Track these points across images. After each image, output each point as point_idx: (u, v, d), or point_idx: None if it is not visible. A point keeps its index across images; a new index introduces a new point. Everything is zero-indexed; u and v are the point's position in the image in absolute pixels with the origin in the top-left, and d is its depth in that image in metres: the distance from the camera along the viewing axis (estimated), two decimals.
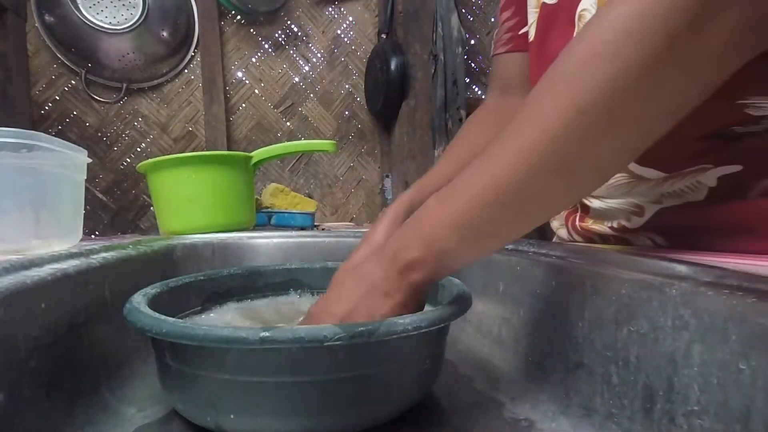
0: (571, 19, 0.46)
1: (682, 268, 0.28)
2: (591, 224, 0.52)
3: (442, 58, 1.48)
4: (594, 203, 0.50)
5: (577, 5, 0.45)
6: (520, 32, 0.59)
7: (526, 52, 0.57)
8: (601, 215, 0.51)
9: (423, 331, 0.30)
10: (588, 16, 0.44)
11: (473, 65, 1.79)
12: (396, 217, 0.46)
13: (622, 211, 0.48)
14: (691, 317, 0.24)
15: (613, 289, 0.30)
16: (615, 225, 0.49)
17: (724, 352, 0.22)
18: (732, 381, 0.21)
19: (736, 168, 0.39)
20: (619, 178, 0.46)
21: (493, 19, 1.79)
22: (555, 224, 0.61)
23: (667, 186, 0.43)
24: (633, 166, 0.44)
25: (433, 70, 1.49)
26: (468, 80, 1.60)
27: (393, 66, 1.54)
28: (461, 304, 0.35)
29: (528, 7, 0.55)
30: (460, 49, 1.50)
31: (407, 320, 0.29)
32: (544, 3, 0.51)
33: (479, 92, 1.80)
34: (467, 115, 1.48)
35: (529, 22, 0.54)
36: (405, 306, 0.34)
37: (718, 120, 0.37)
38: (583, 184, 0.31)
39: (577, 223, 0.55)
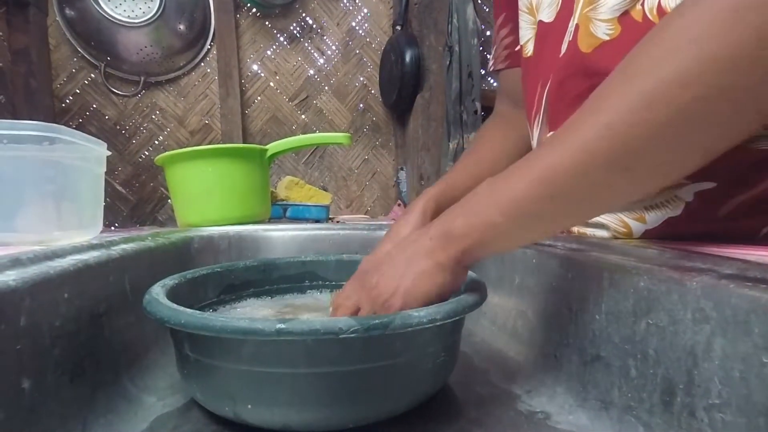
0: (561, 37, 0.48)
1: (702, 261, 0.27)
2: (577, 232, 0.53)
3: (457, 49, 1.46)
4: None
5: (568, 22, 0.47)
6: (516, 49, 0.62)
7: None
8: (590, 224, 0.51)
9: (438, 323, 0.30)
10: (572, 31, 0.46)
11: (488, 56, 1.77)
12: (425, 212, 0.47)
13: (610, 227, 0.48)
14: (712, 310, 0.23)
15: (631, 282, 0.30)
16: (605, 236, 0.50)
17: (747, 346, 0.21)
18: (755, 375, 0.21)
19: (711, 185, 0.41)
20: None
21: None
22: None
23: (648, 200, 0.44)
24: None
25: (447, 62, 1.48)
26: (483, 72, 1.58)
27: (407, 58, 1.53)
28: (477, 296, 0.35)
29: (521, 24, 0.57)
30: (476, 40, 1.48)
31: (422, 313, 0.29)
32: (540, 21, 0.52)
33: (494, 84, 1.78)
34: (482, 107, 1.47)
35: (525, 39, 0.57)
36: (453, 280, 0.35)
37: None
38: (643, 184, 0.30)
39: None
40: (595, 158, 0.28)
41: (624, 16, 0.41)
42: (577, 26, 0.44)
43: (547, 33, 0.51)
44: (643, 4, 0.40)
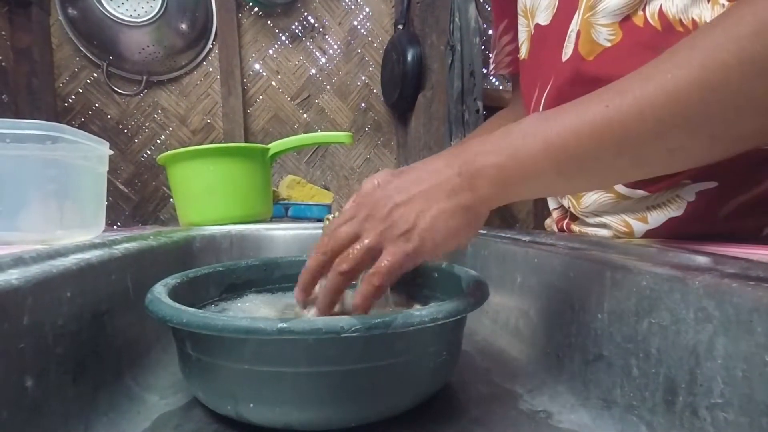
0: (561, 40, 0.47)
1: (705, 260, 0.27)
2: (578, 231, 0.53)
3: (459, 48, 1.46)
4: (589, 219, 0.51)
5: (568, 26, 0.47)
6: (519, 55, 0.61)
7: None
8: (591, 224, 0.51)
9: (440, 322, 0.30)
10: (573, 35, 0.45)
11: (490, 55, 1.77)
12: None
13: (611, 227, 0.48)
14: (715, 309, 0.23)
15: (634, 281, 0.30)
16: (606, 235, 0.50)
17: (749, 345, 0.21)
18: (758, 374, 0.21)
19: (712, 184, 0.41)
20: (605, 198, 0.47)
21: None
22: (548, 221, 0.62)
23: (651, 200, 0.44)
24: (620, 188, 0.46)
25: (449, 61, 1.48)
26: (485, 71, 1.58)
27: (409, 57, 1.53)
28: (478, 295, 0.35)
29: (519, 26, 0.57)
30: (478, 39, 1.48)
31: (424, 312, 0.29)
32: (537, 24, 0.52)
33: (496, 83, 1.78)
34: (484, 106, 1.47)
35: (520, 41, 0.57)
36: (474, 226, 0.32)
37: None
38: (698, 150, 0.29)
39: (565, 228, 0.56)
40: (656, 113, 0.27)
41: (625, 21, 0.41)
42: (578, 32, 0.44)
43: (545, 36, 0.51)
44: (644, 9, 0.40)
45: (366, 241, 0.32)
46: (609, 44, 0.42)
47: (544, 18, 0.51)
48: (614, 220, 0.47)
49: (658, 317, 0.27)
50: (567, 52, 0.47)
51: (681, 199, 0.42)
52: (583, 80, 0.44)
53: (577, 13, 0.45)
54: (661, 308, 0.27)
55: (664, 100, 0.27)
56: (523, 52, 0.56)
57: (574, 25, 0.45)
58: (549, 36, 0.50)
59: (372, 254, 0.32)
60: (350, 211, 0.35)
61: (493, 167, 0.30)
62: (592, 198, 0.48)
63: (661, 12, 0.39)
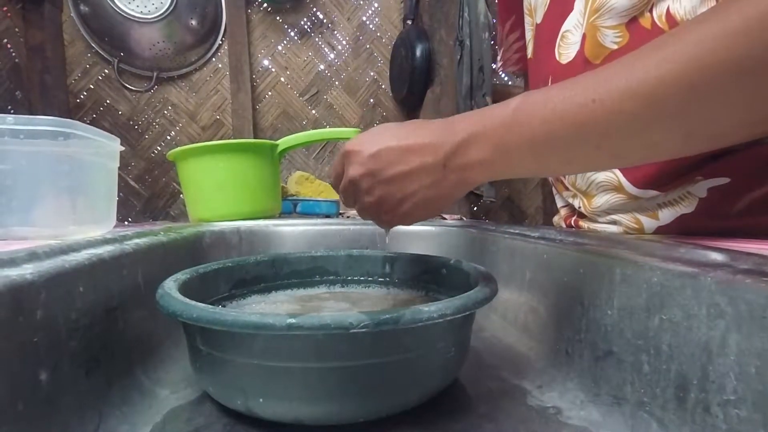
0: (552, 39, 0.48)
1: (717, 256, 0.27)
2: (587, 228, 0.53)
3: (468, 43, 1.45)
4: (599, 217, 0.50)
5: (559, 26, 0.47)
6: (526, 54, 0.62)
7: None
8: (600, 220, 0.51)
9: (448, 318, 0.30)
10: (570, 37, 0.45)
11: (499, 51, 1.75)
12: None
13: (622, 223, 0.48)
14: (728, 305, 0.23)
15: (644, 277, 0.30)
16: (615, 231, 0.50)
17: (763, 341, 0.21)
18: None
19: (725, 180, 0.40)
20: (616, 198, 0.47)
21: None
22: (555, 218, 0.62)
23: (662, 198, 0.44)
24: (631, 189, 0.45)
25: (458, 57, 1.47)
26: (494, 66, 1.57)
27: (418, 53, 1.52)
28: (487, 291, 0.35)
29: (525, 26, 0.58)
30: (487, 34, 1.47)
31: (432, 308, 0.29)
32: (537, 23, 0.53)
33: (506, 78, 1.77)
34: (493, 101, 1.46)
35: (527, 39, 0.57)
36: (453, 194, 0.37)
37: None
38: (670, 142, 0.29)
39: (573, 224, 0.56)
40: (629, 108, 0.27)
41: (632, 23, 0.40)
42: (584, 36, 0.44)
43: (540, 34, 0.51)
44: (651, 11, 0.39)
45: (359, 206, 0.41)
46: (616, 47, 0.41)
47: (539, 16, 0.51)
48: (624, 218, 0.47)
49: (669, 313, 0.27)
50: (565, 53, 0.46)
51: (692, 196, 0.42)
52: None
53: (572, 15, 0.45)
54: (673, 304, 0.27)
55: (645, 98, 0.27)
56: (530, 51, 0.56)
57: (572, 27, 0.45)
58: (543, 34, 0.50)
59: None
60: (356, 179, 0.40)
61: (479, 163, 0.34)
62: (603, 198, 0.48)
63: (668, 13, 0.38)
